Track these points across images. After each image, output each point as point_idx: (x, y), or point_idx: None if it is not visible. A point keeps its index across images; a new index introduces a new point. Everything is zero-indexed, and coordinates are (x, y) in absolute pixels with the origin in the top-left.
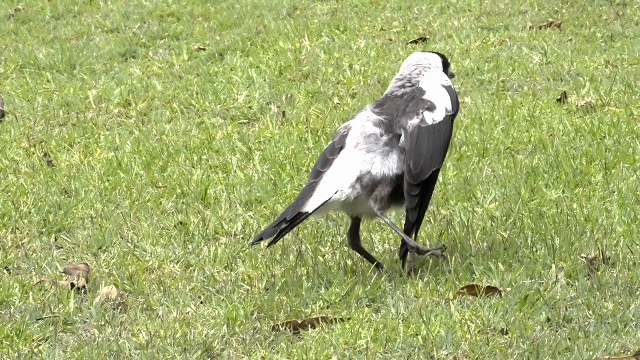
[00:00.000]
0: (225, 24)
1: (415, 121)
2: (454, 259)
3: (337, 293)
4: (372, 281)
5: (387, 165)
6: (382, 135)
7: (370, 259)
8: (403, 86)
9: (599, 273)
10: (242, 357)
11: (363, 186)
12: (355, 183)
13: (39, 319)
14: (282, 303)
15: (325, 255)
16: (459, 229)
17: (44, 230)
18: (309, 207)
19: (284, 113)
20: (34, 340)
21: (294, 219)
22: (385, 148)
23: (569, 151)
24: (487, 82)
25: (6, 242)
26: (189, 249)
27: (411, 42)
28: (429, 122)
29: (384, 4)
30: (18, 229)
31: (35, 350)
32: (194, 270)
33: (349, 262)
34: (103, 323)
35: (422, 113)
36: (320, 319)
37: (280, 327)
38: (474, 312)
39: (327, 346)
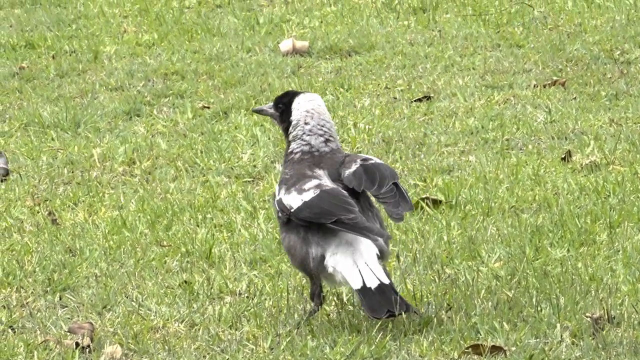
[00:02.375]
0: (230, 82)
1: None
2: (458, 317)
3: (341, 352)
4: (377, 340)
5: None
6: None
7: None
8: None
9: (604, 332)
10: None
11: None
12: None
13: None
14: None
15: (329, 314)
16: (463, 288)
17: (48, 289)
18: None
19: None
20: None
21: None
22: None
23: (574, 210)
24: (491, 141)
25: (10, 301)
26: (193, 307)
27: (415, 100)
28: None
29: (388, 62)
30: (22, 288)
31: None
32: (199, 329)
33: (354, 321)
34: None
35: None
36: None
37: None
38: None
39: None
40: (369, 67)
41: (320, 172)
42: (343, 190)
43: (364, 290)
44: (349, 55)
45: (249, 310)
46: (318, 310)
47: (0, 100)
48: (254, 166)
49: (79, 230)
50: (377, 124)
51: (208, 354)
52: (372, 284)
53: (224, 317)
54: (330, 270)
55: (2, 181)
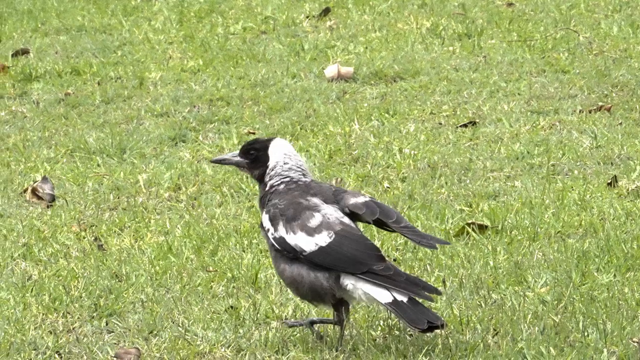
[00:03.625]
0: (275, 108)
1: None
2: (504, 342)
3: None
4: None
5: None
6: None
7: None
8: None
9: None
10: None
11: None
12: None
13: None
14: None
15: (376, 339)
16: (509, 313)
17: (94, 314)
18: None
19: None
20: None
21: None
22: None
23: (620, 235)
24: (537, 166)
25: (57, 327)
26: (239, 332)
27: (460, 126)
28: None
29: (433, 87)
30: (69, 313)
31: None
32: (245, 355)
33: (400, 346)
34: None
35: None
36: None
37: None
38: None
39: None
40: (414, 92)
41: (315, 199)
42: (357, 230)
43: (397, 304)
44: (394, 81)
45: (295, 335)
46: (342, 325)
47: (46, 127)
48: None
49: (125, 256)
50: (423, 150)
51: None
52: (403, 297)
53: (270, 342)
54: (349, 287)
55: (48, 207)
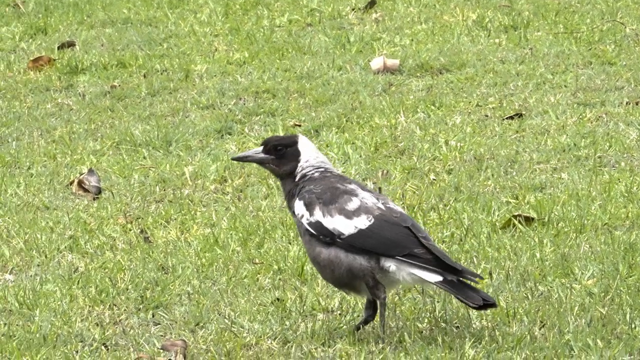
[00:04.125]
0: (320, 100)
1: None
2: (551, 335)
3: None
4: (470, 357)
5: None
6: None
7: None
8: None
9: None
10: None
11: None
12: None
13: None
14: None
15: (422, 332)
16: (556, 305)
17: (141, 306)
18: None
19: (379, 189)
20: None
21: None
22: None
23: None
24: (583, 158)
25: (103, 319)
26: (286, 325)
27: (507, 118)
28: None
29: (479, 79)
30: (115, 305)
31: None
32: (291, 347)
33: (447, 338)
34: None
35: None
36: None
37: None
38: None
39: None
40: (460, 84)
41: (352, 185)
42: (398, 214)
43: (448, 282)
44: (440, 73)
45: (342, 327)
46: (372, 320)
47: (92, 119)
48: None
49: (171, 248)
50: (469, 142)
51: None
52: (453, 277)
53: (317, 334)
54: (392, 269)
55: (94, 199)
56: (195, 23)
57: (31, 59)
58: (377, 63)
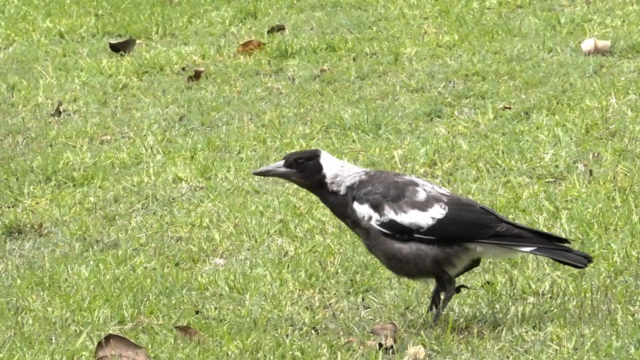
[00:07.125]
0: (531, 83)
1: None
2: None
3: None
4: None
5: None
6: None
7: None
8: None
9: None
10: None
11: None
12: None
13: None
14: None
15: (634, 314)
16: None
17: (350, 290)
18: None
19: (590, 171)
20: None
21: None
22: None
23: None
24: None
25: (314, 302)
26: (496, 308)
27: None
28: None
29: None
30: (325, 289)
31: None
32: (502, 330)
33: None
34: None
35: None
36: None
37: None
38: None
39: None
40: None
41: (406, 177)
42: (463, 198)
43: (543, 249)
44: None
45: (552, 310)
46: (453, 294)
47: (301, 103)
48: (556, 166)
49: None
50: None
51: (511, 354)
52: (545, 244)
53: (527, 318)
54: (479, 249)
55: None
56: (405, 6)
57: (241, 43)
58: (588, 44)
